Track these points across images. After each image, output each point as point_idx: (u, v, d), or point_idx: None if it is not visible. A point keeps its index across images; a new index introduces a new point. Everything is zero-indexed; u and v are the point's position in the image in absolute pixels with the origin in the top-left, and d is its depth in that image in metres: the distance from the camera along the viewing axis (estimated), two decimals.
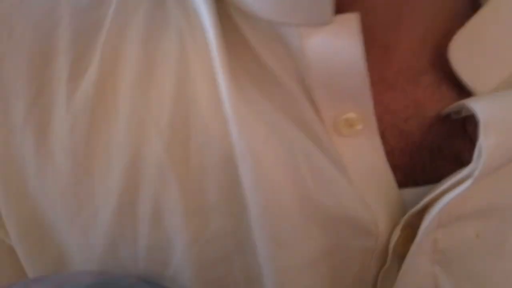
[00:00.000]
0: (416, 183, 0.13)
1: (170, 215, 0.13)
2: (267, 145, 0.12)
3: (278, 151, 0.12)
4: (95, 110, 0.13)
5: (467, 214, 0.13)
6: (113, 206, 0.13)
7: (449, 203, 0.12)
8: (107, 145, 0.13)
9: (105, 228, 0.13)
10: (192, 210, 0.13)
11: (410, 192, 0.13)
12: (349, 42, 0.11)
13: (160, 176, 0.13)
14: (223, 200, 0.13)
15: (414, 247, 0.12)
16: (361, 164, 0.13)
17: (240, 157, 0.12)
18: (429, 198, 0.12)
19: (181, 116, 0.13)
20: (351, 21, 0.11)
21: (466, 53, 0.13)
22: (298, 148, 0.12)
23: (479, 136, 0.11)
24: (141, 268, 0.13)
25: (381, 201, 0.13)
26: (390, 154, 0.13)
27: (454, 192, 0.11)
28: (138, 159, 0.13)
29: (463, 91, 0.13)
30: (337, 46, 0.12)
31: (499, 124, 0.11)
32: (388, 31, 0.12)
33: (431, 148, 0.14)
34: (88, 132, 0.13)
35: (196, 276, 0.13)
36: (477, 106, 0.11)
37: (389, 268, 0.13)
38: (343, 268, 0.13)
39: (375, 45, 0.12)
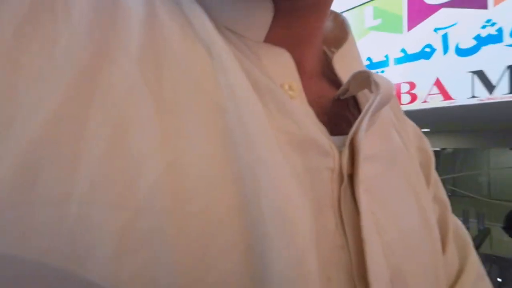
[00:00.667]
0: (333, 134, 0.17)
1: (140, 136, 0.11)
2: (243, 81, 0.13)
3: (250, 88, 0.14)
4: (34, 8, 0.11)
5: (368, 158, 0.16)
6: (46, 116, 0.10)
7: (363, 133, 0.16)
8: (49, 47, 0.11)
9: (22, 146, 0.09)
10: (168, 131, 0.11)
11: (334, 138, 0.17)
12: (285, 55, 0.17)
13: (128, 91, 0.11)
14: (203, 125, 0.12)
15: (360, 163, 0.15)
16: (303, 114, 0.15)
17: (231, 95, 0.13)
18: (358, 122, 0.16)
19: (152, 44, 0.13)
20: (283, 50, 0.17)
21: (341, 64, 0.21)
22: (263, 86, 0.14)
23: (374, 78, 0.16)
24: (70, 221, 0.09)
25: (322, 132, 0.16)
26: (316, 115, 0.17)
27: (369, 112, 0.16)
28: (99, 71, 0.11)
29: (339, 87, 0.20)
30: (278, 53, 0.17)
31: (379, 79, 0.16)
32: (301, 54, 0.18)
33: (336, 115, 0.19)
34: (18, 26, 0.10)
35: (171, 208, 0.10)
36: (368, 72, 0.17)
37: (345, 188, 0.15)
38: (316, 188, 0.14)
39: (297, 55, 0.18)
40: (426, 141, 0.26)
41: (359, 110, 0.20)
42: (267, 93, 0.14)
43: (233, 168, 0.12)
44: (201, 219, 0.11)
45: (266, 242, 0.12)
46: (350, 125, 0.18)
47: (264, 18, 0.16)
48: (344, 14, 0.24)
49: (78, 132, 0.10)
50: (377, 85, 0.16)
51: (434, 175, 0.25)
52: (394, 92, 0.18)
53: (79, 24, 0.12)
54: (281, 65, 0.17)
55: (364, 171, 0.16)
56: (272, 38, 0.17)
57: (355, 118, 0.19)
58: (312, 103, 0.17)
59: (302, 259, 0.12)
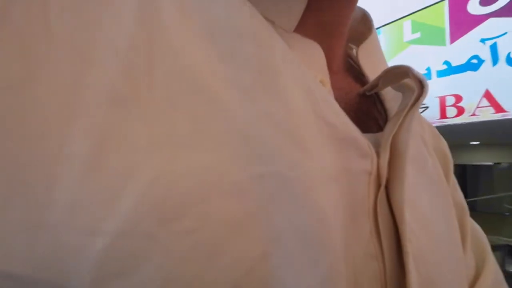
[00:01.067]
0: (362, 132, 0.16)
1: (123, 152, 0.10)
2: (286, 64, 0.13)
3: (296, 74, 0.13)
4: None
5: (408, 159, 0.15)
6: (22, 136, 0.09)
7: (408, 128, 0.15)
8: (28, 54, 0.09)
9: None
10: (156, 143, 0.10)
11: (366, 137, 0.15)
12: (316, 48, 0.16)
13: (113, 101, 0.10)
14: (197, 132, 0.11)
15: (406, 166, 0.14)
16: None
17: (264, 82, 0.12)
18: (401, 120, 0.15)
19: (144, 40, 0.11)
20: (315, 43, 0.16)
21: (366, 59, 0.20)
22: (309, 78, 0.14)
23: (415, 73, 0.15)
24: (42, 249, 0.09)
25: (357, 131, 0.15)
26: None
27: (414, 109, 0.15)
28: (82, 78, 0.10)
29: (364, 83, 0.19)
30: (307, 42, 0.16)
31: (419, 74, 0.15)
32: (330, 46, 0.17)
33: (363, 111, 0.18)
34: None
35: (156, 230, 0.09)
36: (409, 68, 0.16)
37: (382, 194, 0.14)
38: (351, 192, 0.13)
39: (326, 47, 0.17)
40: (444, 142, 0.25)
41: (384, 108, 0.19)
42: (312, 81, 0.14)
43: (235, 178, 0.11)
44: (193, 239, 0.10)
45: (284, 262, 0.11)
46: (376, 123, 0.18)
47: (297, 3, 0.15)
48: (382, 29, 0.24)
49: (57, 153, 0.09)
50: (420, 80, 0.15)
51: (453, 178, 0.24)
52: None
53: (59, 26, 0.10)
54: (312, 58, 0.16)
55: (408, 175, 0.15)
56: (302, 28, 0.16)
57: (382, 116, 0.18)
58: (339, 99, 0.16)
59: (329, 279, 0.11)
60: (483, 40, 1.75)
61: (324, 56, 0.16)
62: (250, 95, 0.12)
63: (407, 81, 0.17)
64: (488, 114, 1.74)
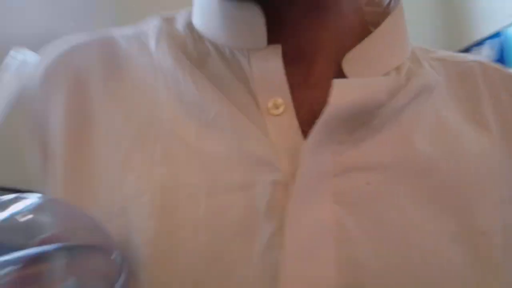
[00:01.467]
0: None
1: (132, 166, 0.18)
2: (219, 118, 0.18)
3: (232, 125, 0.18)
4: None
5: (358, 167, 0.17)
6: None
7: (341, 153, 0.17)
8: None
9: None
10: (145, 162, 0.18)
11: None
12: (276, 61, 0.18)
13: (130, 142, 0.18)
14: (166, 158, 0.18)
15: (304, 169, 0.16)
16: (279, 131, 0.18)
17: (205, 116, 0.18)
18: (310, 139, 0.17)
19: (147, 111, 0.19)
20: (277, 49, 0.18)
21: (353, 66, 0.20)
22: (244, 105, 0.18)
23: (333, 91, 0.17)
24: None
25: (288, 148, 0.17)
26: (302, 124, 0.18)
27: (321, 125, 0.17)
28: (120, 136, 0.19)
29: None
30: (268, 63, 0.19)
31: (343, 88, 0.17)
32: (310, 56, 0.19)
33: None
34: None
35: (131, 203, 0.17)
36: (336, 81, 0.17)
37: (294, 200, 0.16)
38: (257, 200, 0.16)
39: (303, 63, 0.19)
40: None
41: None
42: (250, 113, 0.18)
43: (185, 181, 0.17)
44: (146, 204, 0.16)
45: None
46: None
47: (257, 23, 0.18)
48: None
49: (123, 163, 0.18)
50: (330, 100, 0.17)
51: None
52: (366, 100, 0.17)
53: (123, 99, 0.20)
54: (269, 79, 0.19)
55: (338, 185, 0.17)
56: (279, 42, 0.19)
57: None
58: (306, 112, 0.18)
59: None
60: None
61: (283, 75, 0.19)
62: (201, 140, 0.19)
63: None
64: None
